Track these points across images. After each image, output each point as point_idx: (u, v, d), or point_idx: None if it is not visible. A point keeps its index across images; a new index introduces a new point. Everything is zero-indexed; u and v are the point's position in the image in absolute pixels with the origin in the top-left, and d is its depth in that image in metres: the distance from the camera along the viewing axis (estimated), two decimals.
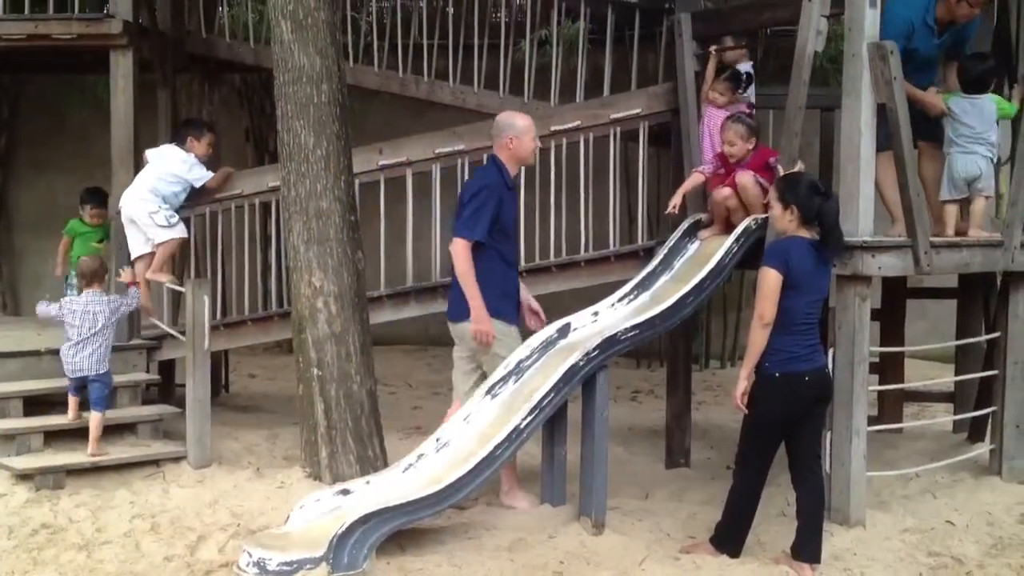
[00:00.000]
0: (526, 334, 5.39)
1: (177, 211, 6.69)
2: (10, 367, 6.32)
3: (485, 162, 5.53)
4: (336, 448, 5.59)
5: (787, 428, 4.64)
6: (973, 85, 5.57)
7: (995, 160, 5.65)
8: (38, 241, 11.15)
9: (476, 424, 5.08)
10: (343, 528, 4.42)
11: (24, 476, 5.57)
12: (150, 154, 6.73)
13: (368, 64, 7.58)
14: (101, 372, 5.94)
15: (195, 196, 6.79)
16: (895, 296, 6.85)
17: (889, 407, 6.82)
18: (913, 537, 5.02)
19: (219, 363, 8.12)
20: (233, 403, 8.08)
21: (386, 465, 5.54)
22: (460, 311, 5.34)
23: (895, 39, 5.08)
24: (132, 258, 6.65)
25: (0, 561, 4.65)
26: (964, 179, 5.55)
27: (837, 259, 4.67)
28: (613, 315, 5.40)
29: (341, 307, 5.61)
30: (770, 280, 4.55)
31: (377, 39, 7.50)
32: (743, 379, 4.66)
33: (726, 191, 5.51)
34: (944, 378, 7.33)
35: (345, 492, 4.88)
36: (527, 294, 5.64)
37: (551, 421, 5.14)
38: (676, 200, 5.73)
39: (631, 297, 5.51)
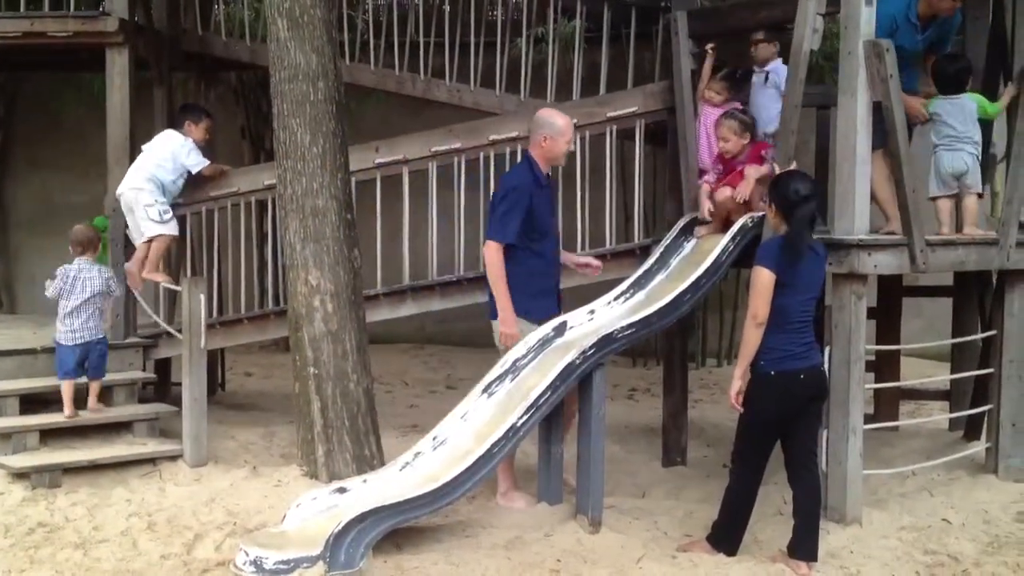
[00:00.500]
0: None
1: (173, 208, 6.68)
2: (6, 365, 6.32)
3: (519, 159, 5.51)
4: (333, 446, 5.58)
5: (783, 426, 4.65)
6: (950, 85, 5.60)
7: (979, 158, 5.67)
8: (34, 239, 11.15)
9: (473, 422, 5.08)
10: (340, 527, 4.42)
11: (20, 475, 5.56)
12: (146, 148, 6.72)
13: (364, 62, 7.57)
14: (100, 336, 6.14)
15: (191, 191, 6.78)
16: (891, 294, 6.85)
17: (885, 405, 6.82)
18: (910, 535, 5.02)
19: (215, 361, 8.11)
20: (229, 401, 8.07)
21: (383, 463, 5.54)
22: (494, 310, 5.37)
23: (879, 36, 5.09)
24: (138, 241, 6.65)
25: None
26: (952, 174, 5.57)
27: (799, 263, 4.60)
28: (609, 313, 5.40)
29: (337, 305, 5.61)
30: (763, 279, 4.55)
31: (373, 37, 7.49)
32: (738, 378, 4.66)
33: (727, 191, 5.51)
34: (940, 376, 7.33)
35: (342, 490, 4.88)
36: (569, 256, 5.69)
37: (548, 419, 5.14)
38: (705, 214, 5.70)
39: (627, 295, 5.51)
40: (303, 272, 5.61)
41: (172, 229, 6.64)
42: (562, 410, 5.23)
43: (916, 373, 7.83)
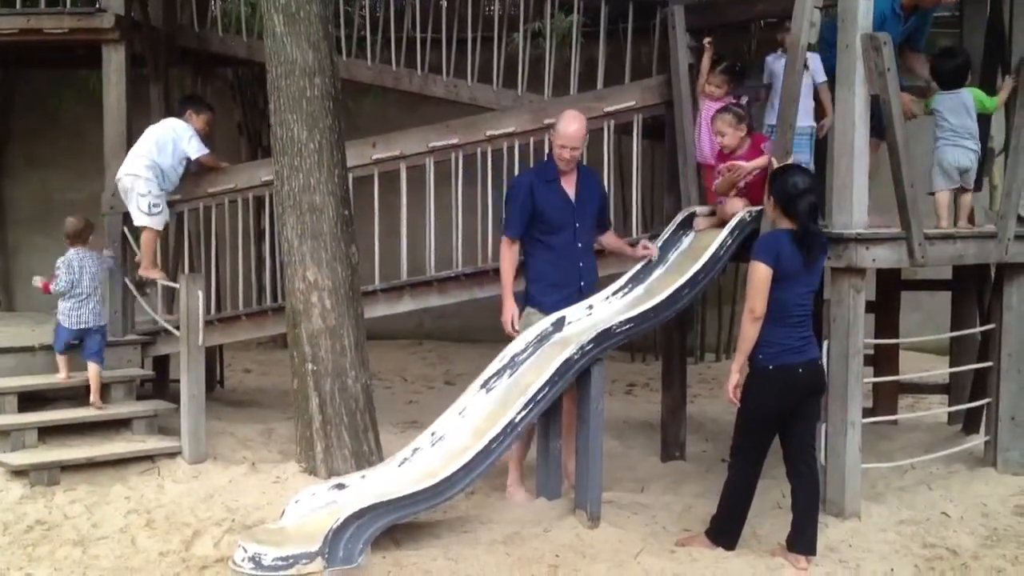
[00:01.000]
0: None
1: (170, 205, 6.67)
2: (5, 363, 6.31)
3: None
4: (331, 443, 5.58)
5: (781, 420, 4.65)
6: (949, 81, 5.62)
7: (979, 153, 5.67)
8: (32, 237, 11.13)
9: (471, 418, 5.08)
10: (338, 523, 4.41)
11: (19, 472, 5.56)
12: (146, 131, 6.71)
13: (361, 58, 7.56)
14: (101, 324, 6.32)
15: (188, 187, 6.77)
16: (889, 288, 6.85)
17: (884, 399, 6.81)
18: (908, 529, 5.02)
19: (214, 358, 8.11)
20: (228, 398, 8.07)
21: (381, 459, 5.54)
22: (523, 299, 5.50)
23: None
24: (136, 224, 6.66)
25: None
26: (956, 168, 5.59)
27: (813, 254, 4.63)
28: (608, 308, 5.40)
29: (335, 301, 5.60)
30: (760, 273, 4.55)
31: (370, 33, 7.48)
32: (735, 372, 4.66)
33: (739, 204, 5.46)
34: (939, 370, 7.33)
35: (340, 487, 4.87)
36: (616, 241, 5.71)
37: (546, 415, 5.13)
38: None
39: (626, 290, 5.50)
40: (301, 268, 5.60)
41: (158, 224, 6.62)
42: (561, 405, 5.22)
43: (915, 367, 7.81)
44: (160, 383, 7.26)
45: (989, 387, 5.90)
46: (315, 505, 4.77)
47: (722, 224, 5.49)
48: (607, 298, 5.45)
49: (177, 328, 6.19)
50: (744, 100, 5.92)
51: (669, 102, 6.25)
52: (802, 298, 4.63)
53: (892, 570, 4.59)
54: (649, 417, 7.42)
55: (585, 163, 6.38)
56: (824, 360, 4.97)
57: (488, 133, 6.45)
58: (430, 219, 6.50)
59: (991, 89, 5.88)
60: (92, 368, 6.19)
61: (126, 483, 5.63)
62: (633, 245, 5.74)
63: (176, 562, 4.61)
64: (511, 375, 5.19)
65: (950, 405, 6.79)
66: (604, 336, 5.02)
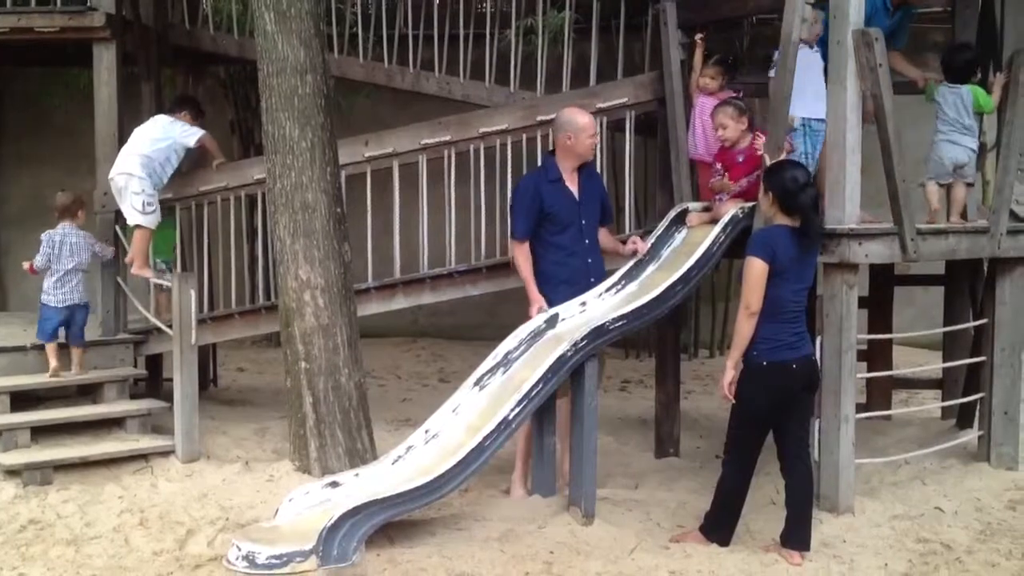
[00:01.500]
0: None
1: (162, 203, 6.66)
2: None
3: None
4: (325, 441, 5.57)
5: (775, 416, 4.65)
6: (956, 74, 5.64)
7: (976, 149, 5.68)
8: (25, 235, 11.04)
9: (465, 415, 5.08)
10: (332, 521, 4.41)
11: (11, 472, 5.55)
12: (137, 129, 6.69)
13: (353, 55, 7.54)
14: (86, 301, 6.40)
15: (180, 185, 6.75)
16: (882, 283, 6.86)
17: (877, 394, 6.83)
18: (902, 524, 5.03)
19: (207, 357, 8.09)
20: (221, 397, 8.05)
21: (375, 457, 5.53)
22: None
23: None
24: (130, 224, 6.64)
25: None
26: (952, 164, 5.61)
27: (815, 247, 4.67)
28: (601, 305, 5.39)
29: (328, 300, 5.60)
30: (756, 269, 4.55)
31: (362, 30, 7.46)
32: (730, 368, 4.66)
33: (731, 206, 5.46)
34: (932, 365, 7.35)
35: (334, 485, 4.87)
36: (609, 239, 5.70)
37: (540, 412, 5.13)
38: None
39: (619, 287, 5.50)
40: (293, 267, 5.59)
41: (151, 223, 6.60)
42: (553, 403, 5.22)
43: (908, 362, 7.86)
44: (153, 382, 7.24)
45: (982, 382, 5.91)
46: (309, 503, 4.77)
47: (715, 221, 5.49)
48: (600, 295, 5.44)
49: (170, 327, 6.17)
50: (741, 95, 5.92)
51: (661, 99, 6.25)
52: (797, 294, 4.63)
53: (886, 565, 4.60)
54: (643, 413, 7.42)
55: None
56: (817, 356, 4.97)
57: (481, 130, 6.44)
58: (423, 217, 6.49)
59: (983, 84, 5.88)
60: (76, 351, 6.32)
61: (119, 482, 5.62)
62: (624, 242, 5.75)
63: (170, 561, 4.60)
64: (505, 372, 5.18)
65: (943, 400, 6.81)
66: (597, 333, 5.02)
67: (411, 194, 6.49)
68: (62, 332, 6.34)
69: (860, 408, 5.41)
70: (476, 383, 5.17)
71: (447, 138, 6.44)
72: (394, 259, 6.54)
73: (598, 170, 6.36)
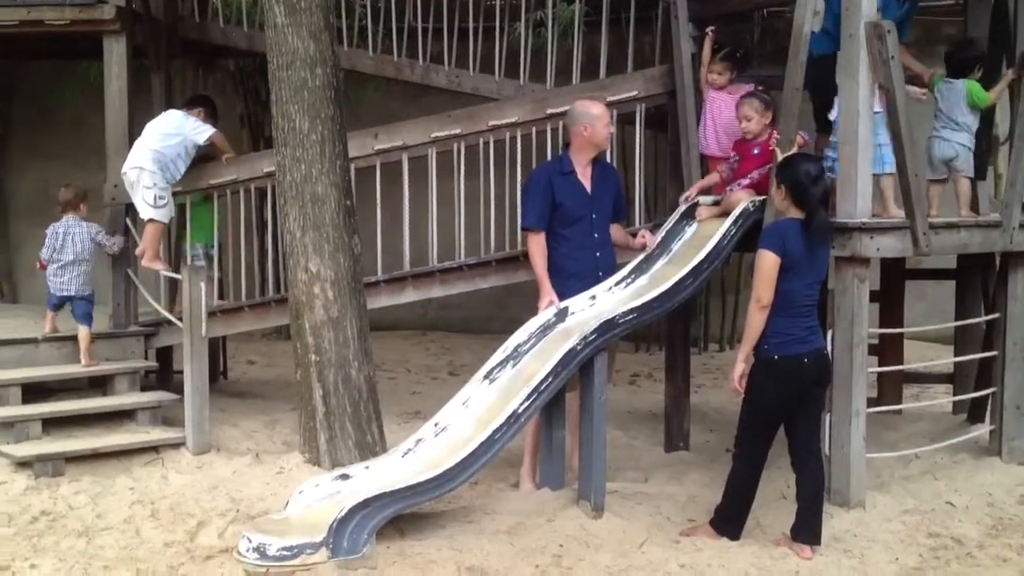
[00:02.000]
0: None
1: (173, 195, 6.67)
2: (8, 355, 6.31)
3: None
4: (335, 433, 5.58)
5: (786, 411, 4.64)
6: (955, 69, 5.68)
7: (970, 144, 5.68)
8: (34, 229, 11.05)
9: (474, 409, 5.08)
10: (343, 513, 4.42)
11: (23, 463, 5.57)
12: (149, 124, 6.70)
13: (363, 48, 7.53)
14: (85, 293, 6.48)
15: (190, 179, 6.75)
16: (894, 277, 6.83)
17: (888, 389, 6.81)
18: (913, 518, 5.02)
19: (217, 349, 8.11)
20: (231, 389, 8.07)
21: (385, 450, 5.54)
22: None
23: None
24: (142, 217, 6.65)
25: (0, 548, 4.65)
26: (941, 160, 5.67)
27: (821, 241, 4.65)
28: (611, 299, 5.39)
29: (338, 292, 5.60)
30: (767, 263, 4.53)
31: (371, 22, 7.45)
32: (741, 362, 4.65)
33: (742, 195, 5.45)
34: (943, 359, 7.32)
35: (344, 477, 4.87)
36: (620, 234, 5.69)
37: (549, 405, 5.13)
38: (691, 193, 5.74)
39: (629, 280, 5.49)
40: (303, 259, 5.60)
41: (163, 216, 6.60)
42: (562, 396, 5.22)
43: (919, 356, 7.82)
44: (163, 374, 7.26)
45: (994, 376, 5.89)
46: (319, 495, 4.77)
47: (725, 214, 5.48)
48: (610, 288, 5.44)
49: (180, 319, 6.18)
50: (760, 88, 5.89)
51: (672, 92, 6.23)
52: (808, 288, 4.62)
53: (897, 559, 4.59)
54: (653, 407, 7.41)
55: None
56: (829, 350, 4.96)
57: (490, 123, 6.42)
58: (432, 210, 6.49)
59: (995, 79, 5.86)
60: (81, 330, 6.38)
61: (130, 474, 5.64)
62: (634, 236, 5.75)
63: (181, 552, 4.61)
64: (514, 366, 5.18)
65: (955, 394, 6.78)
66: (607, 327, 5.01)
67: (421, 187, 6.48)
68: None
69: (871, 402, 5.40)
70: (486, 376, 5.17)
71: (457, 131, 6.43)
72: (404, 252, 6.54)
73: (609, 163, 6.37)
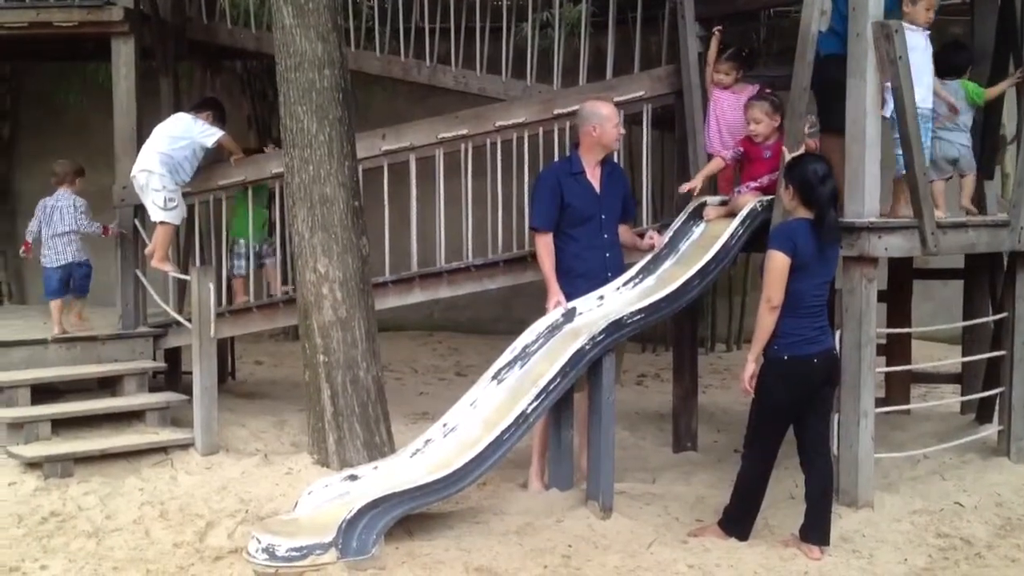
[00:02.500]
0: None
1: (183, 196, 6.68)
2: (17, 355, 6.34)
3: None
4: (343, 434, 5.59)
5: (795, 411, 4.64)
6: (949, 71, 5.67)
7: (967, 144, 5.68)
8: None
9: (482, 409, 5.08)
10: (352, 513, 4.43)
11: (33, 464, 5.58)
12: (158, 128, 6.72)
13: (370, 49, 7.54)
14: (83, 259, 6.72)
15: (199, 180, 6.77)
16: (902, 277, 6.82)
17: (896, 388, 6.80)
18: (922, 519, 5.01)
19: (226, 350, 8.12)
20: (240, 390, 8.08)
21: (393, 451, 5.54)
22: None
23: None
24: (153, 219, 6.68)
25: (10, 549, 4.67)
26: (945, 159, 5.66)
27: (831, 242, 4.65)
28: (619, 299, 5.39)
29: (346, 293, 5.61)
30: (778, 263, 4.53)
31: (379, 23, 7.46)
32: (751, 362, 4.65)
33: (748, 198, 5.45)
34: (951, 359, 7.31)
35: (353, 478, 4.88)
36: (628, 235, 5.71)
37: (557, 406, 5.13)
38: (696, 183, 5.73)
39: (637, 281, 5.49)
40: (312, 260, 5.61)
41: (174, 218, 6.62)
42: (570, 397, 5.22)
43: (927, 356, 7.81)
44: (172, 375, 7.28)
45: (1002, 376, 5.88)
46: (328, 496, 4.78)
47: (733, 215, 5.48)
48: (618, 288, 5.44)
49: (189, 320, 6.20)
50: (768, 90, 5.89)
51: (679, 92, 6.23)
52: (818, 288, 4.62)
53: (905, 560, 4.59)
54: (660, 408, 7.41)
55: None
56: (837, 350, 4.95)
57: (498, 124, 6.43)
58: (440, 210, 6.49)
59: (1003, 79, 5.85)
60: (75, 301, 6.65)
61: (139, 475, 5.65)
62: (641, 236, 5.75)
63: (190, 553, 4.62)
64: (522, 366, 5.19)
65: (963, 394, 6.77)
66: (615, 327, 5.02)
67: (428, 188, 6.49)
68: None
69: (879, 402, 5.39)
70: (494, 377, 5.18)
71: (464, 132, 6.43)
72: (411, 253, 6.55)
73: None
